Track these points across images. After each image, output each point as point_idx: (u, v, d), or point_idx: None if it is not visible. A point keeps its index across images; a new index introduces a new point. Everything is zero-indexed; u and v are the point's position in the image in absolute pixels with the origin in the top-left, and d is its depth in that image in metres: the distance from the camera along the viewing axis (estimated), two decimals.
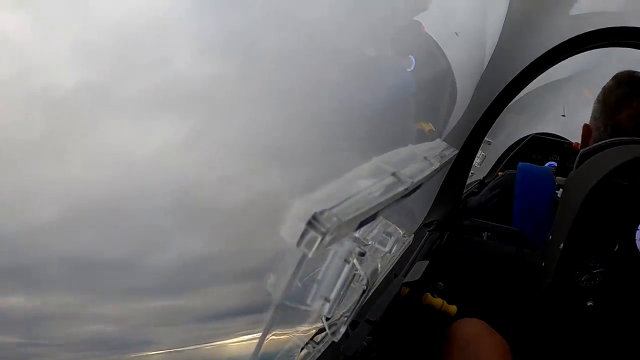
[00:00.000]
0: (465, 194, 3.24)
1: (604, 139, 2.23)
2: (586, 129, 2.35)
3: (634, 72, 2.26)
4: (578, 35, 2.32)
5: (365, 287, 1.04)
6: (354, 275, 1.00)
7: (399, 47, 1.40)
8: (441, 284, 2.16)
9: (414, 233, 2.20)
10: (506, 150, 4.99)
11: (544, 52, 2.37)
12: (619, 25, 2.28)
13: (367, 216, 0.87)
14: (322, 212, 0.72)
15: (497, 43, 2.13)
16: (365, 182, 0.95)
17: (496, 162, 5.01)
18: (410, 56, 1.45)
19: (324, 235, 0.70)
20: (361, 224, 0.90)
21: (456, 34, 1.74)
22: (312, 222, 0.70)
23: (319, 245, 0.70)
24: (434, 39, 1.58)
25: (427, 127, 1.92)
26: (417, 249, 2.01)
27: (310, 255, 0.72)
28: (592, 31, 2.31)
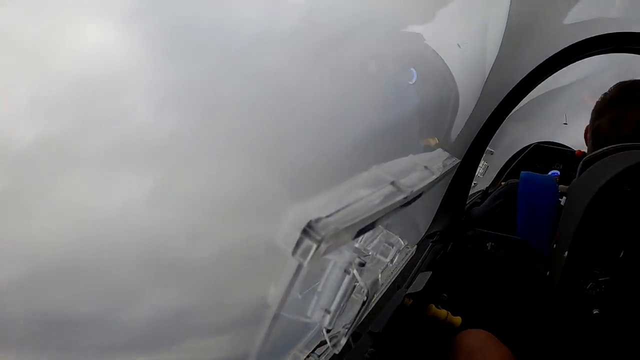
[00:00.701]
0: (468, 204, 3.23)
1: (590, 145, 2.26)
2: (586, 130, 2.37)
3: (625, 82, 2.27)
4: (577, 43, 2.32)
5: (365, 298, 1.03)
6: (355, 286, 0.99)
7: (399, 60, 1.40)
8: (445, 294, 2.15)
9: (417, 244, 2.19)
10: (509, 160, 5.00)
11: (543, 60, 2.38)
12: (616, 32, 2.28)
13: (365, 225, 0.86)
14: (317, 220, 0.71)
15: (498, 52, 2.13)
16: (363, 191, 0.94)
17: (499, 172, 5.01)
18: (411, 69, 1.44)
19: (319, 243, 0.69)
20: (359, 233, 0.89)
21: (458, 45, 1.74)
22: (307, 230, 0.70)
23: (314, 253, 0.69)
24: (436, 50, 1.58)
25: (429, 137, 1.91)
26: (420, 259, 2.00)
27: (305, 264, 0.71)
28: (590, 38, 2.31)
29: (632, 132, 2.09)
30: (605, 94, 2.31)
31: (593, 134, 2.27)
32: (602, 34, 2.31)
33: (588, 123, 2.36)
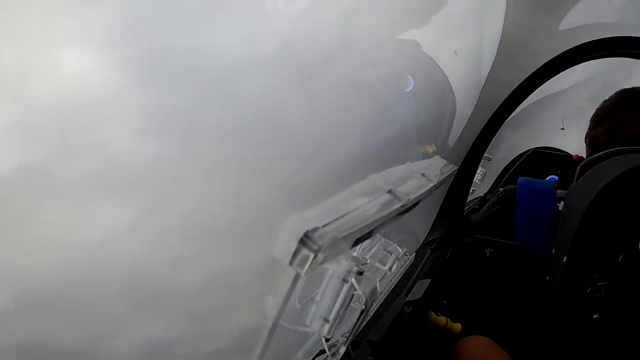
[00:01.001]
0: (466, 211, 3.23)
1: (587, 151, 2.26)
2: (586, 135, 2.37)
3: (627, 90, 2.27)
4: (573, 48, 2.33)
5: (364, 307, 1.03)
6: (353, 295, 0.99)
7: (394, 70, 1.40)
8: (445, 301, 2.15)
9: (415, 251, 2.19)
10: (507, 166, 5.00)
11: (540, 65, 2.38)
12: (611, 36, 2.29)
13: (362, 234, 0.87)
14: (314, 230, 0.71)
15: (495, 59, 2.14)
16: (360, 200, 0.95)
17: (497, 178, 5.01)
18: (408, 76, 1.44)
19: (316, 253, 0.69)
20: (357, 242, 0.89)
21: (455, 52, 1.74)
22: (305, 240, 0.70)
23: (311, 263, 0.70)
24: (434, 59, 1.58)
25: (427, 145, 1.91)
26: (419, 267, 2.00)
27: (303, 273, 0.71)
28: (586, 43, 2.31)
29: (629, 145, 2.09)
30: (606, 101, 2.31)
31: (590, 142, 2.28)
32: (597, 39, 2.31)
33: (586, 129, 2.37)
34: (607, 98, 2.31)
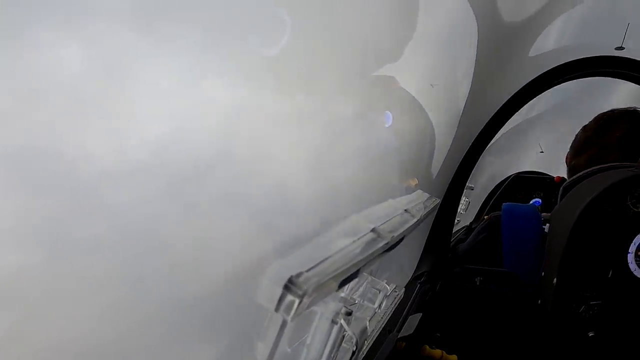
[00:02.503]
0: (453, 242, 3.24)
1: (569, 175, 2.29)
2: (567, 157, 2.39)
3: (605, 116, 2.29)
4: (547, 71, 2.37)
5: (355, 347, 1.03)
6: (344, 336, 0.98)
7: (374, 104, 1.41)
8: (438, 334, 2.14)
9: (404, 287, 2.19)
10: (490, 193, 5.02)
11: (514, 93, 2.41)
12: (582, 57, 2.33)
13: (348, 274, 0.87)
14: (298, 275, 0.72)
15: (470, 89, 2.16)
16: (344, 240, 0.95)
17: (481, 206, 5.03)
18: (387, 112, 1.45)
19: (301, 298, 0.70)
20: (343, 283, 0.89)
21: (431, 85, 1.75)
22: (289, 286, 0.70)
23: (297, 308, 0.70)
24: (410, 93, 1.59)
25: (409, 179, 1.92)
26: (410, 302, 2.00)
27: (289, 319, 0.71)
28: (558, 66, 2.35)
29: None
30: (585, 128, 2.33)
31: (571, 169, 2.30)
32: (565, 62, 2.35)
33: (563, 145, 2.39)
34: (586, 124, 2.33)
